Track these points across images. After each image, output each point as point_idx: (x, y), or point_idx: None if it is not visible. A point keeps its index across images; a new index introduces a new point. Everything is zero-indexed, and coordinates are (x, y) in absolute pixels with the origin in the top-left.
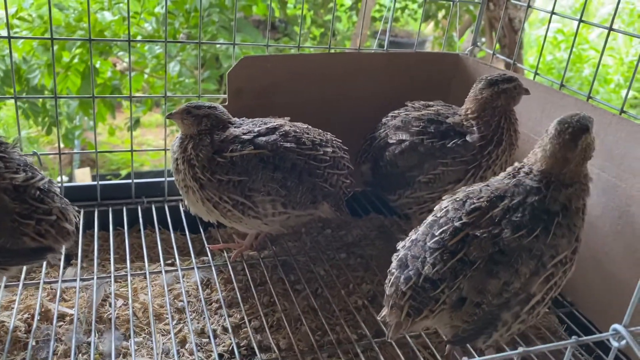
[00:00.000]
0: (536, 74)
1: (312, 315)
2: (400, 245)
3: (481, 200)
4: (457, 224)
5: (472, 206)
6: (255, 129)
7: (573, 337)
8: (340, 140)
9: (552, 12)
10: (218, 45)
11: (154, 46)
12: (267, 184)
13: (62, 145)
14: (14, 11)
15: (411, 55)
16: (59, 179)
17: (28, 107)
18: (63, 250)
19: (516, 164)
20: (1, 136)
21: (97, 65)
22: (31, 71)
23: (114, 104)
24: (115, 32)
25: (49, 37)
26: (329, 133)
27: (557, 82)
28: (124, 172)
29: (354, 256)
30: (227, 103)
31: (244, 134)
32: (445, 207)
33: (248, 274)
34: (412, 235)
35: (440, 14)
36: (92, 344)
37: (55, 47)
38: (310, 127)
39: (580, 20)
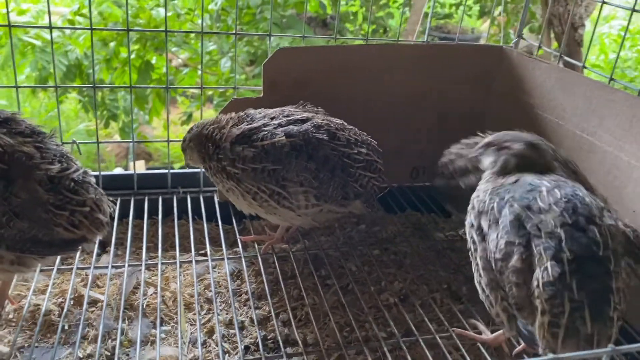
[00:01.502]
0: (584, 67)
1: (341, 311)
2: None
3: None
4: None
5: None
6: (277, 121)
7: (610, 345)
8: (376, 142)
9: (603, 2)
10: (268, 42)
11: (207, 42)
12: (300, 173)
13: (119, 139)
14: (76, 8)
15: (451, 47)
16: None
17: (87, 100)
18: (97, 239)
19: None
20: (39, 126)
21: (153, 61)
22: (91, 66)
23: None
24: (169, 28)
25: (89, 27)
26: (364, 133)
27: (607, 76)
28: (177, 166)
29: (388, 253)
30: (262, 95)
31: (269, 124)
32: None
33: (278, 267)
34: None
35: (497, 11)
36: (118, 330)
37: (113, 43)
38: (345, 123)
39: (634, 10)
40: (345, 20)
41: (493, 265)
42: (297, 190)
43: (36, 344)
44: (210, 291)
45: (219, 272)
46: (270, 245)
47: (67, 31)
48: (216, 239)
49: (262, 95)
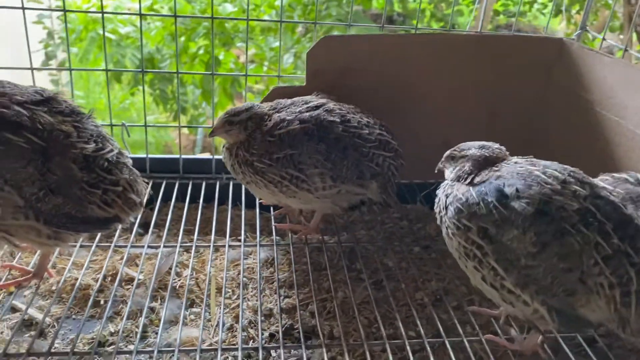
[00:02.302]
0: None
1: (371, 307)
2: None
3: None
4: None
5: None
6: (297, 109)
7: None
8: (387, 125)
9: None
10: (314, 31)
11: (271, 38)
12: (312, 155)
13: (187, 132)
14: (149, 3)
15: (506, 38)
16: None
17: (158, 94)
18: (137, 219)
19: None
20: (78, 106)
21: (221, 57)
22: (163, 60)
23: (234, 94)
24: (235, 23)
25: (139, 12)
26: (375, 117)
27: None
28: None
29: (428, 251)
30: (305, 84)
31: (288, 116)
32: None
33: (311, 258)
34: None
35: (574, 10)
36: (145, 308)
37: (183, 39)
38: (358, 107)
39: None
40: (412, 17)
41: (522, 261)
42: (313, 172)
43: (73, 316)
44: (243, 277)
45: (252, 259)
46: (304, 235)
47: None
48: (252, 226)
49: (304, 84)
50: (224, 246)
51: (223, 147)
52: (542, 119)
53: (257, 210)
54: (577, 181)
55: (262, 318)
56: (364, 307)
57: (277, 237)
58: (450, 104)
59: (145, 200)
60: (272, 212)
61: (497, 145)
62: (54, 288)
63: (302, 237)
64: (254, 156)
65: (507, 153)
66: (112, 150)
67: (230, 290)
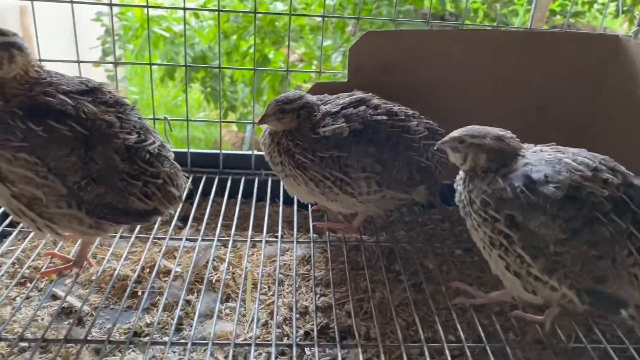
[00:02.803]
0: None
1: (409, 309)
2: None
3: None
4: None
5: None
6: (341, 101)
7: None
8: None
9: None
10: (356, 26)
11: (319, 36)
12: (360, 158)
13: (236, 129)
14: (203, 2)
15: (558, 34)
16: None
17: (209, 92)
18: (176, 212)
19: None
20: (123, 97)
21: (271, 56)
22: (214, 58)
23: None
24: (285, 22)
25: (183, 7)
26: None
27: None
28: None
29: (471, 254)
30: (347, 80)
31: (333, 108)
32: None
33: (349, 257)
34: None
35: (638, 10)
36: (180, 301)
37: (235, 37)
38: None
39: None
40: (465, 17)
41: (551, 247)
42: (359, 176)
43: (111, 306)
44: (279, 273)
45: (289, 256)
46: (344, 234)
47: (194, 24)
48: (290, 223)
49: (346, 80)
50: (261, 242)
51: (265, 131)
52: (592, 117)
53: (295, 207)
54: (609, 169)
55: (298, 315)
56: (402, 309)
57: (315, 235)
58: (495, 100)
59: (184, 194)
60: (309, 210)
61: (510, 134)
62: (93, 277)
63: (341, 235)
64: (297, 147)
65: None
66: (154, 143)
67: (266, 286)
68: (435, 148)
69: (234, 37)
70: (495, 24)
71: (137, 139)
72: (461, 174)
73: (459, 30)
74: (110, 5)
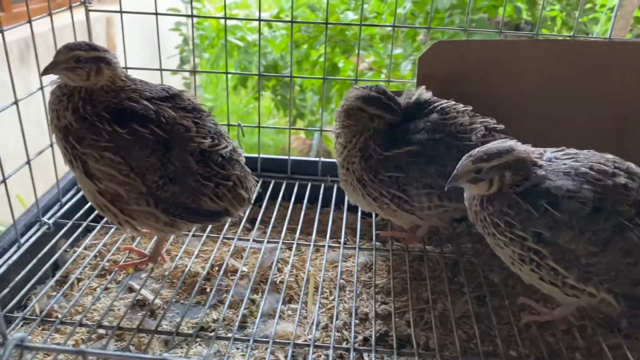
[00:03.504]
0: None
1: (470, 321)
2: None
3: None
4: None
5: None
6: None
7: None
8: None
9: None
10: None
11: (389, 45)
12: (419, 179)
13: (303, 136)
14: (276, 12)
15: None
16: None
17: (279, 99)
18: (245, 214)
19: None
20: (201, 104)
21: (340, 65)
22: (285, 67)
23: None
24: (355, 31)
25: (258, 18)
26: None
27: None
28: None
29: None
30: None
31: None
32: None
33: (412, 266)
34: None
35: None
36: (245, 300)
37: (305, 47)
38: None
39: None
40: (541, 26)
41: (582, 260)
42: (420, 193)
43: (181, 301)
44: (341, 279)
45: (351, 262)
46: (409, 243)
47: (267, 34)
48: (353, 229)
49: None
50: (324, 247)
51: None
52: None
53: (359, 214)
54: (624, 172)
55: (357, 321)
56: (463, 322)
57: (377, 243)
58: (573, 112)
59: (254, 197)
60: (374, 218)
61: (516, 142)
62: (166, 273)
63: (406, 244)
64: (361, 160)
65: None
66: (226, 147)
67: (327, 291)
68: (446, 189)
69: (305, 46)
70: (572, 32)
71: (211, 143)
72: (470, 196)
73: (533, 40)
74: (192, 16)
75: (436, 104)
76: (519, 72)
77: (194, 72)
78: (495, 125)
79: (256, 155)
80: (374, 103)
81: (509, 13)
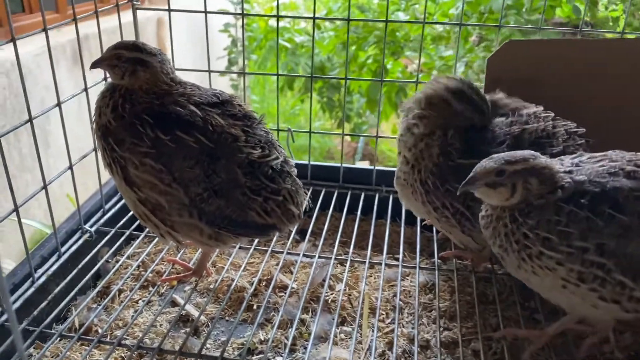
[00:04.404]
0: None
1: (546, 353)
2: None
3: None
4: None
5: None
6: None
7: None
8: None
9: None
10: (497, 35)
11: (441, 47)
12: None
13: (348, 139)
14: (324, 13)
15: None
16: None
17: (325, 101)
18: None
19: None
20: (252, 111)
21: (389, 66)
22: (333, 69)
23: (399, 104)
24: (405, 32)
25: (312, 17)
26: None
27: None
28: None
29: None
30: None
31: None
32: None
33: (478, 289)
34: None
35: None
36: (296, 320)
37: (354, 48)
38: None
39: None
40: (601, 27)
41: None
42: None
43: (226, 318)
44: (399, 300)
45: (410, 281)
46: (475, 264)
47: (315, 35)
48: (411, 245)
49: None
50: (380, 264)
51: (404, 125)
52: None
53: (418, 228)
54: None
55: (418, 349)
56: (538, 353)
57: (439, 261)
58: None
59: (304, 211)
60: (434, 233)
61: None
62: (211, 286)
63: (472, 265)
64: (428, 164)
65: None
66: (277, 158)
67: (384, 313)
68: (458, 193)
69: (353, 47)
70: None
71: (261, 153)
72: (490, 210)
73: (616, 39)
74: (242, 15)
75: (514, 108)
76: (602, 75)
77: (243, 73)
78: (577, 129)
79: (306, 162)
80: (465, 99)
81: (567, 13)
